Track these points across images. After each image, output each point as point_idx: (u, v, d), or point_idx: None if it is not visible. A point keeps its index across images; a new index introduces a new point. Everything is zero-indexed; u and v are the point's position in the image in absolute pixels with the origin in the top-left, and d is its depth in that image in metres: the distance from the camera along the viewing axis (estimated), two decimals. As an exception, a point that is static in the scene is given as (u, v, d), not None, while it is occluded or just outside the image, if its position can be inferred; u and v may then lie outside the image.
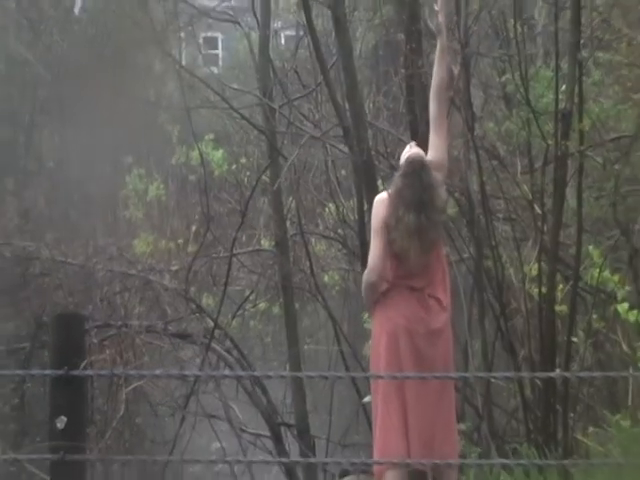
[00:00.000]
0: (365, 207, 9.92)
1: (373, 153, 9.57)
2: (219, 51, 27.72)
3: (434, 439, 7.14)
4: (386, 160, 10.70)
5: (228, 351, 12.15)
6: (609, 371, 9.46)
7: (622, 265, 9.98)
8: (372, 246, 7.32)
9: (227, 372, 11.84)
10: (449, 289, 7.45)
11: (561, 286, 9.16)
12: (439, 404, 7.19)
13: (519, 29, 9.73)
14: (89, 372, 5.86)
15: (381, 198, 7.35)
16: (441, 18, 7.62)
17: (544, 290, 8.81)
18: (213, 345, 11.88)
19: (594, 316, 9.41)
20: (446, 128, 7.58)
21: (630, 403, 8.64)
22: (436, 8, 7.65)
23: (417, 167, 7.24)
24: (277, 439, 11.91)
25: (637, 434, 8.01)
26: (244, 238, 14.19)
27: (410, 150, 7.42)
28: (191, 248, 14.56)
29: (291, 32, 16.57)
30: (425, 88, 8.85)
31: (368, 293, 7.35)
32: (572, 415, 8.80)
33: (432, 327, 7.18)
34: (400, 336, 7.14)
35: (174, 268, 13.63)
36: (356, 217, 11.03)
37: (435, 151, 7.38)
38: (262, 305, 14.89)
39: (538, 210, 9.17)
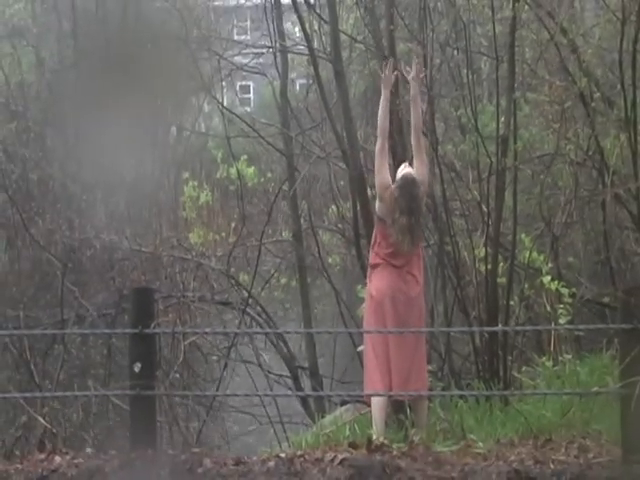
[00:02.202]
0: (358, 208, 9.87)
1: (364, 169, 9.51)
2: (251, 95, 27.60)
3: (410, 377, 7.11)
4: (373, 174, 10.62)
5: (258, 314, 12.12)
6: (537, 326, 9.43)
7: (545, 248, 9.95)
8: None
9: (258, 329, 11.82)
10: (423, 268, 7.44)
11: (501, 264, 9.09)
12: (414, 352, 7.16)
13: (470, 76, 9.70)
14: (157, 330, 5.82)
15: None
16: (414, 73, 7.55)
17: (489, 267, 8.76)
18: (247, 310, 11.86)
19: (526, 286, 9.36)
20: (425, 155, 7.54)
21: (552, 349, 8.61)
22: (411, 74, 7.57)
23: (409, 182, 7.20)
24: (295, 378, 11.91)
25: (557, 371, 8.01)
26: (270, 231, 14.10)
27: (404, 169, 7.37)
28: (231, 239, 14.47)
29: (303, 81, 16.48)
30: (400, 120, 8.78)
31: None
32: (510, 358, 8.75)
33: (409, 295, 7.15)
34: (385, 302, 7.11)
35: (219, 254, 13.59)
36: (351, 215, 10.98)
37: (418, 172, 7.31)
38: (283, 280, 14.84)
39: (484, 208, 9.12)
